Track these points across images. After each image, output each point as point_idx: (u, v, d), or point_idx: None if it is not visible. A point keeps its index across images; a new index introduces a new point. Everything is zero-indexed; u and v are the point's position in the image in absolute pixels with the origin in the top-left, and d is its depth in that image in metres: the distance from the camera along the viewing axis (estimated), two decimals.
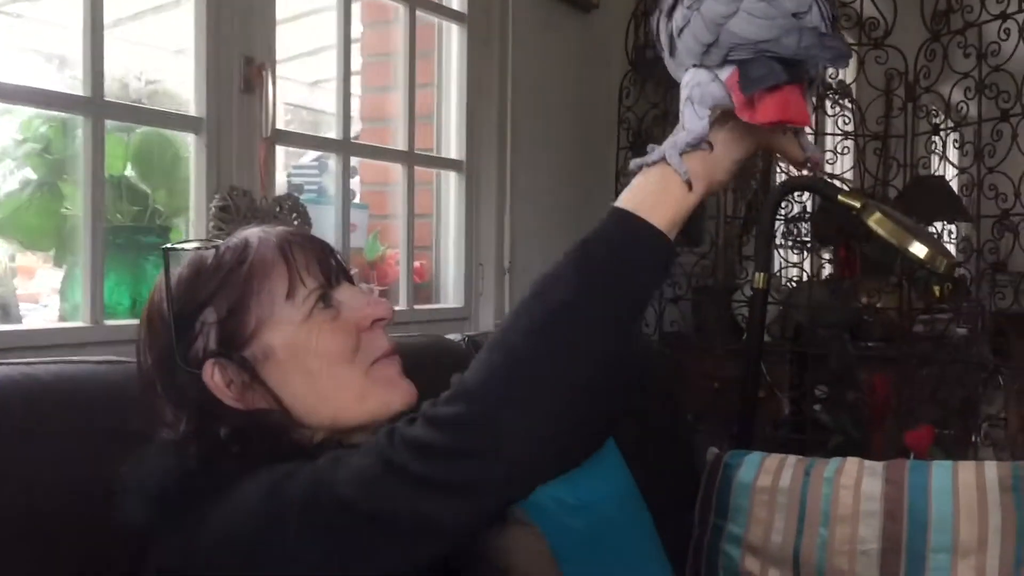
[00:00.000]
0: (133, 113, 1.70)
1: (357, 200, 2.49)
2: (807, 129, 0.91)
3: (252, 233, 0.98)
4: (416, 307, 2.23)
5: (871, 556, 1.80)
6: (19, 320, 1.68)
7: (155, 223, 1.83)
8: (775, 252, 2.78)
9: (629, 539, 1.61)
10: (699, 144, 0.87)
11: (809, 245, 2.91)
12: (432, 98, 2.43)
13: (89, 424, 0.97)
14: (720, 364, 2.78)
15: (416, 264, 2.48)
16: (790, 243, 2.69)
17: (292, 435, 0.93)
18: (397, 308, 2.15)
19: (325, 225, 2.02)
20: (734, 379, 2.48)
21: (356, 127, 2.69)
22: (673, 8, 0.87)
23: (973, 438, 2.46)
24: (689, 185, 0.86)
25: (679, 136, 0.87)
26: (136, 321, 1.48)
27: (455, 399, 0.81)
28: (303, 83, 3.87)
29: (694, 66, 0.85)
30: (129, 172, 1.83)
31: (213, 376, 0.92)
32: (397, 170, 2.28)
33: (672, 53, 0.88)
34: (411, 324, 2.15)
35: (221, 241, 0.98)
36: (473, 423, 0.79)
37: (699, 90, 0.84)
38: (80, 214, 1.57)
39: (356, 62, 2.49)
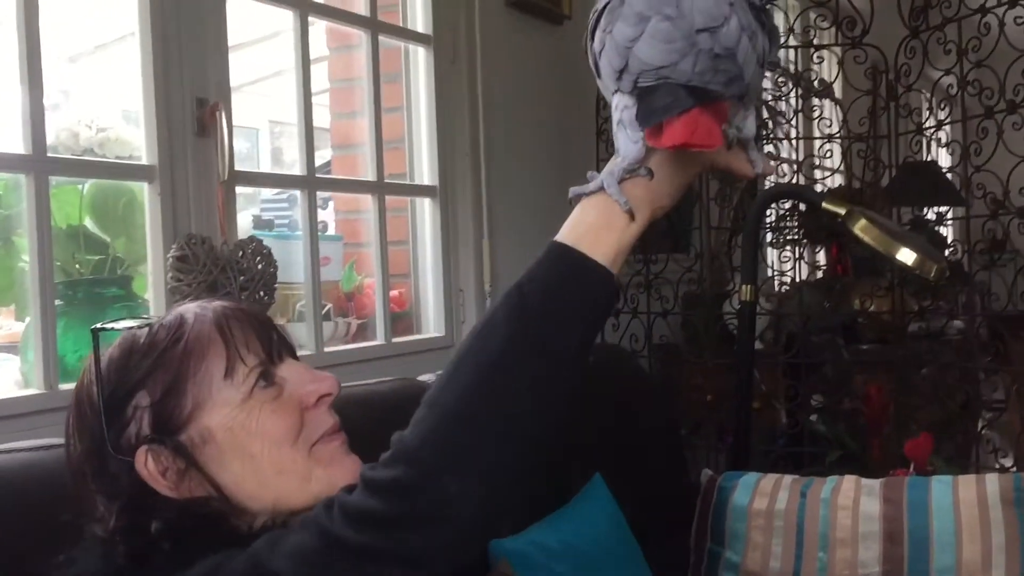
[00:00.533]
0: (79, 167, 1.64)
1: (332, 231, 2.43)
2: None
3: (188, 309, 0.92)
4: (395, 340, 2.17)
5: None
6: None
7: (116, 273, 1.78)
8: (766, 254, 2.73)
9: None
10: (637, 169, 0.81)
11: (800, 242, 2.84)
12: (402, 122, 2.37)
13: (25, 523, 0.91)
14: (712, 375, 2.72)
15: (394, 293, 2.43)
16: (781, 242, 2.62)
17: (231, 522, 0.87)
18: (375, 343, 2.10)
19: (295, 260, 1.96)
20: (728, 390, 2.42)
21: (328, 154, 2.64)
22: (595, 30, 0.82)
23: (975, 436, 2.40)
24: (631, 214, 0.80)
25: (616, 162, 0.82)
26: None
27: (394, 461, 0.76)
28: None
29: (618, 90, 0.80)
30: (87, 221, 1.78)
31: (147, 464, 0.86)
32: (369, 199, 2.23)
33: (599, 75, 0.83)
34: (390, 359, 2.09)
35: (155, 319, 0.93)
36: (413, 487, 0.74)
37: (628, 113, 0.79)
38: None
39: (324, 86, 2.44)
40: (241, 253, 1.70)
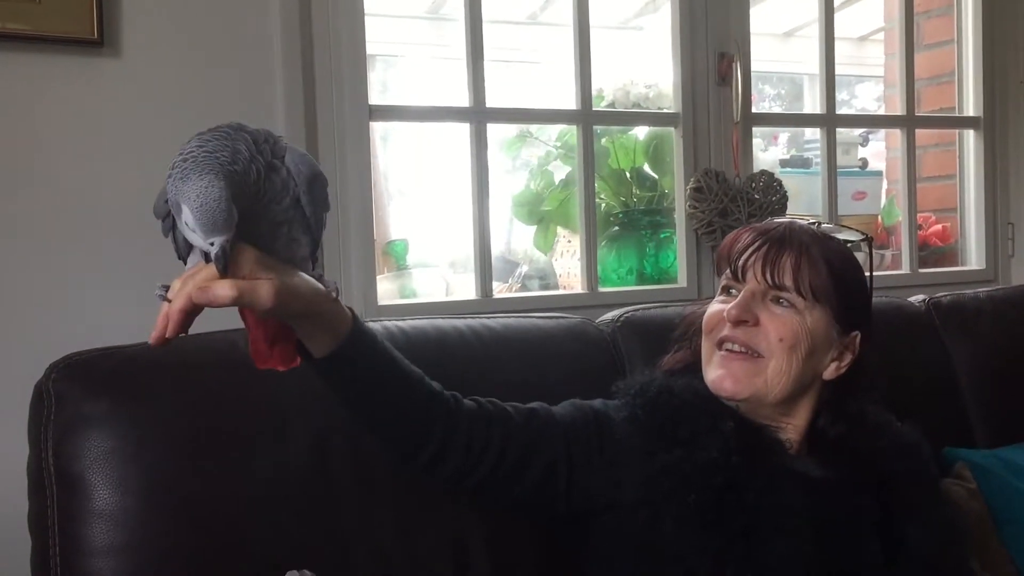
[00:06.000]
0: (616, 117, 2.04)
1: (872, 167, 2.54)
2: None
3: None
4: (921, 270, 2.23)
5: None
6: (556, 284, 2.13)
7: (662, 204, 2.15)
8: None
9: None
10: None
11: None
12: (952, 56, 2.37)
13: (522, 366, 1.31)
14: None
15: (939, 227, 2.45)
16: None
17: None
18: (900, 271, 2.20)
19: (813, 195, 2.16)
20: None
21: (885, 91, 2.72)
22: None
23: None
24: None
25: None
26: (625, 288, 1.87)
27: None
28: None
29: None
30: (644, 164, 2.18)
31: None
32: (928, 132, 2.33)
33: None
34: (916, 288, 2.15)
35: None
36: None
37: None
38: (602, 204, 1.96)
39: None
40: (752, 184, 1.95)
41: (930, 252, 2.40)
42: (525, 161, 2.29)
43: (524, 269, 2.25)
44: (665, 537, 1.09)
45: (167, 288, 0.86)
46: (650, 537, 1.11)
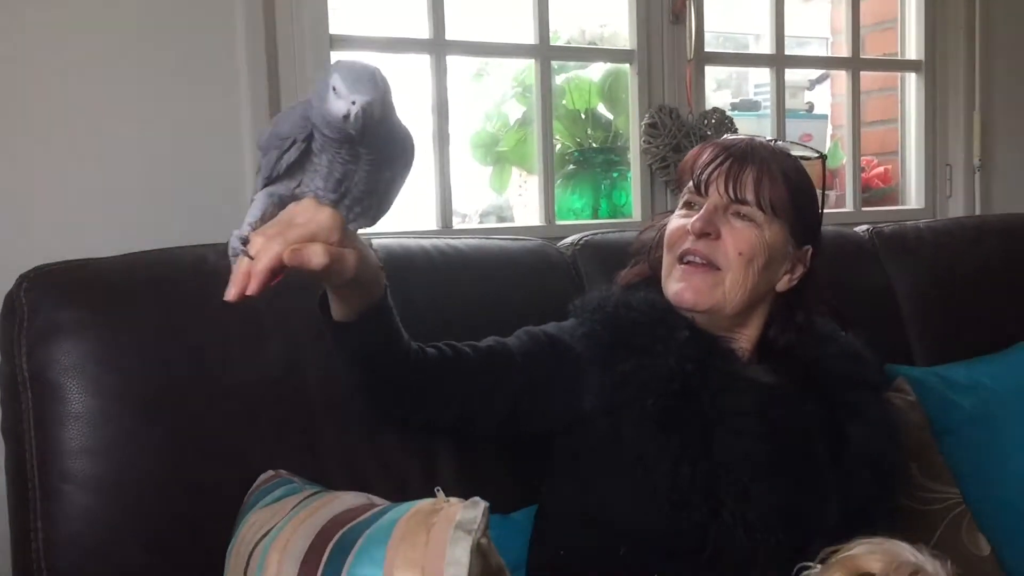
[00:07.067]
0: (573, 53, 2.08)
1: (820, 111, 2.61)
2: None
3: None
4: (864, 208, 2.31)
5: None
6: (513, 220, 2.17)
7: (616, 144, 2.20)
8: None
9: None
10: None
11: None
12: (895, 3, 2.45)
13: (485, 285, 1.36)
14: None
15: (881, 169, 2.53)
16: None
17: None
18: (845, 209, 2.27)
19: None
20: None
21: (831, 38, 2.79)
22: None
23: None
24: None
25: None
26: (582, 221, 1.89)
27: None
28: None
29: None
30: (599, 106, 2.22)
31: None
32: (871, 79, 2.40)
33: None
34: (859, 224, 2.23)
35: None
36: None
37: None
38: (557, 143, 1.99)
39: None
40: (705, 121, 2.00)
41: (872, 193, 2.49)
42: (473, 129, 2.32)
43: (477, 218, 2.28)
44: (624, 441, 1.14)
45: (246, 241, 0.83)
46: (611, 444, 1.16)
